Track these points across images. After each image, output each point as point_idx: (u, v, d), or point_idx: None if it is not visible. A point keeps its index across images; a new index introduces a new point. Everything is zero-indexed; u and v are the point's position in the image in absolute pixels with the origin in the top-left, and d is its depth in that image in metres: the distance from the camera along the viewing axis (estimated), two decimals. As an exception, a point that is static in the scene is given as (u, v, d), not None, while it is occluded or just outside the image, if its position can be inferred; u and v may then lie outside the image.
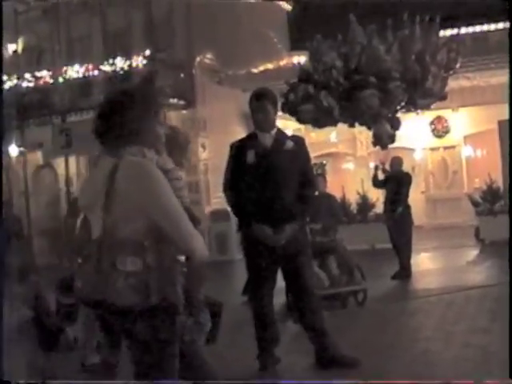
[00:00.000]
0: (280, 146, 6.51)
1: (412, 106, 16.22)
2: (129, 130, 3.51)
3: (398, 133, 21.34)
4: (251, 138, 6.63)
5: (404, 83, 15.16)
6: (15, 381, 4.37)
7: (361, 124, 16.37)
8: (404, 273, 12.15)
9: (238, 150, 6.57)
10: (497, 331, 7.45)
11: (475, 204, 17.51)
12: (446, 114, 22.36)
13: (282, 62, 23.12)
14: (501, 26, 24.72)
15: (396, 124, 15.92)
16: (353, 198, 18.79)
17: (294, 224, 6.41)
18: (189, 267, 3.63)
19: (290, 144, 6.56)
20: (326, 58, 15.57)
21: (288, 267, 6.54)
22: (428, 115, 21.95)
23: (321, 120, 15.95)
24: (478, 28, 24.66)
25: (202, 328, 4.95)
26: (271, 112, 6.54)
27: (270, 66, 22.74)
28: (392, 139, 15.81)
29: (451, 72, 16.08)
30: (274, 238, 6.34)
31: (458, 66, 16.07)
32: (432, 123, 22.85)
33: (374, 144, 16.20)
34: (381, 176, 13.61)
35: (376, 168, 13.47)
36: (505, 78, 20.73)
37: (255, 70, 22.46)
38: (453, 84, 19.27)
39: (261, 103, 6.50)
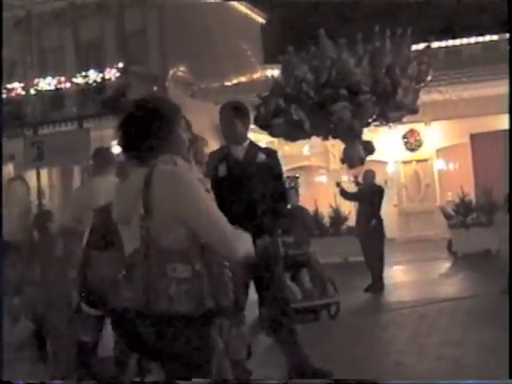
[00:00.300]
0: (252, 159, 6.47)
1: (383, 118, 16.26)
2: (159, 139, 3.46)
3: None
4: (223, 151, 6.59)
5: (375, 96, 15.19)
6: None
7: (334, 137, 16.39)
8: (377, 286, 12.16)
9: (209, 163, 6.53)
10: (469, 344, 7.46)
11: (448, 217, 17.58)
12: (419, 127, 22.46)
13: (256, 75, 23.18)
14: (473, 40, 25.01)
15: (370, 148, 15.94)
16: (325, 211, 18.79)
17: (266, 237, 6.37)
18: (233, 271, 3.58)
19: (262, 156, 6.52)
20: (297, 71, 15.59)
21: (260, 280, 6.49)
22: (401, 128, 22.02)
23: (292, 134, 15.93)
24: (450, 42, 24.93)
25: (244, 339, 4.93)
26: (238, 125, 6.48)
27: (243, 78, 22.78)
28: (362, 162, 15.79)
29: (422, 85, 16.13)
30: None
31: (429, 78, 16.13)
32: (405, 136, 22.93)
33: (343, 161, 16.19)
34: (353, 189, 13.65)
35: (338, 184, 13.50)
36: (477, 92, 21.00)
37: (228, 83, 22.48)
38: (425, 97, 19.37)
39: (227, 116, 6.47)
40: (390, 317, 9.72)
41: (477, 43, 24.99)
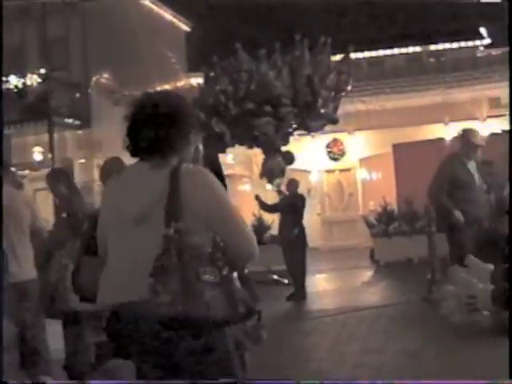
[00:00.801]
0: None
1: (304, 128, 16.30)
2: (175, 142, 3.38)
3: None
4: None
5: (296, 107, 15.23)
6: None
7: (257, 146, 16.36)
8: (299, 294, 12.17)
9: None
10: (390, 351, 7.50)
11: (370, 226, 17.73)
12: (342, 136, 22.65)
13: (180, 83, 23.06)
14: (396, 51, 25.40)
15: (289, 159, 15.94)
16: (248, 220, 18.77)
17: None
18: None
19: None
20: (217, 82, 15.53)
21: None
22: (324, 138, 22.19)
23: (213, 145, 15.85)
24: (374, 53, 25.27)
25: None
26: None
27: (167, 86, 22.62)
28: (283, 173, 15.78)
29: (343, 94, 16.22)
30: None
31: (349, 88, 16.20)
32: (328, 146, 23.07)
33: (261, 176, 16.17)
34: (276, 198, 13.75)
35: (257, 198, 13.55)
36: (400, 103, 21.29)
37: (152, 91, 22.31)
38: (349, 107, 19.57)
39: None
40: (313, 325, 9.72)
41: (400, 54, 25.42)
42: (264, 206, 13.61)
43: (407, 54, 25.36)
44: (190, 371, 3.36)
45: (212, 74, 16.01)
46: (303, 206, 12.88)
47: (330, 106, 15.81)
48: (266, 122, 14.87)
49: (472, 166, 9.33)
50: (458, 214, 8.88)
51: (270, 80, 15.05)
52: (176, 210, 3.21)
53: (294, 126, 15.87)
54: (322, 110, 15.58)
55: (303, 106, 15.28)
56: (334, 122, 16.32)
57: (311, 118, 15.66)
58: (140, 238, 3.31)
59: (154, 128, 3.34)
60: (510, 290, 3.77)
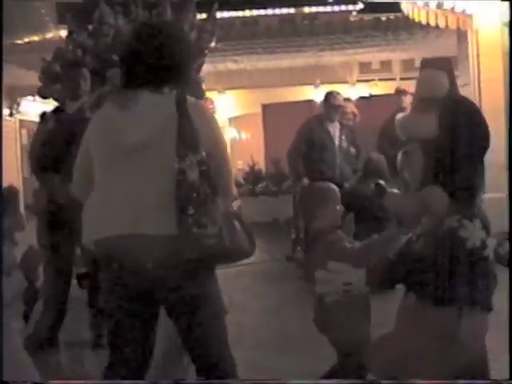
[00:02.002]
0: (81, 113, 6.27)
1: None
2: (177, 71, 3.31)
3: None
4: (58, 108, 6.53)
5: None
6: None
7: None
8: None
9: (41, 119, 6.42)
10: (252, 308, 7.60)
11: (237, 185, 17.80)
12: (213, 95, 22.54)
13: (49, 35, 22.39)
14: (270, 12, 25.43)
15: None
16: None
17: None
18: None
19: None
20: (78, 35, 15.13)
21: None
22: (195, 96, 22.08)
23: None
24: (247, 13, 25.21)
25: None
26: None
27: (35, 38, 21.95)
28: None
29: (206, 52, 15.90)
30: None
31: (212, 45, 15.87)
32: (199, 104, 23.03)
33: None
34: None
35: None
36: (271, 64, 21.35)
37: (19, 41, 21.60)
38: (220, 66, 19.52)
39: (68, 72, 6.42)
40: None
41: (274, 15, 25.47)
42: None
43: (281, 15, 25.41)
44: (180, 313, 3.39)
45: (74, 26, 15.61)
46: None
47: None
48: (116, 73, 14.50)
49: (333, 127, 9.48)
50: (305, 180, 9.06)
51: (126, 35, 14.68)
52: (193, 142, 3.13)
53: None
54: None
55: None
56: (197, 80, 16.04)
57: None
58: (141, 168, 3.18)
59: (158, 56, 3.26)
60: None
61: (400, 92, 9.75)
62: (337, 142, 9.48)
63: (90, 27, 13.89)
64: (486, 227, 3.24)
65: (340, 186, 9.18)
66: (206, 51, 15.18)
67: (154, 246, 3.17)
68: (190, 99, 3.26)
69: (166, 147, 3.12)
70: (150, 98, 3.27)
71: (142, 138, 3.19)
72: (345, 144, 9.61)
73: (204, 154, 3.13)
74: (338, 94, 9.84)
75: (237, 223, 3.31)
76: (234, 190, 3.48)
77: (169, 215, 3.09)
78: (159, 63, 3.28)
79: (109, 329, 3.55)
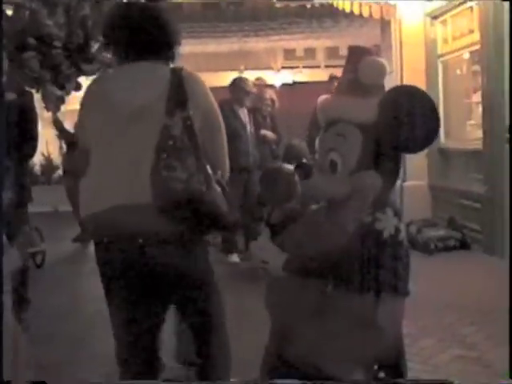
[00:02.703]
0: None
1: (78, 70, 15.75)
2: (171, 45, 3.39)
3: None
4: None
5: (67, 49, 14.70)
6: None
7: (30, 87, 15.71)
8: (85, 236, 11.98)
9: None
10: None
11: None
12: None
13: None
14: (194, -1, 25.27)
15: (67, 85, 15.35)
16: (37, 159, 18.26)
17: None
18: None
19: (11, 96, 6.22)
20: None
21: None
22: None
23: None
24: (171, -3, 24.99)
25: None
26: None
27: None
28: (62, 100, 15.26)
29: None
30: None
31: None
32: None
33: (47, 109, 15.58)
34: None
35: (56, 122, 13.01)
36: (196, 48, 21.21)
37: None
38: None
39: None
40: (93, 265, 9.61)
41: (198, 1, 25.31)
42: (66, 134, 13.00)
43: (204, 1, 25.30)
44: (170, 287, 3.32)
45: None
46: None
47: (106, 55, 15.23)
48: (30, 56, 14.23)
49: (243, 113, 9.47)
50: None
51: (41, 18, 14.41)
52: (181, 100, 3.16)
53: (65, 67, 15.22)
54: (97, 54, 15.06)
55: (76, 48, 14.77)
56: (111, 66, 15.85)
57: (83, 60, 15.13)
58: (136, 135, 3.16)
59: (151, 31, 3.32)
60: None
61: (333, 78, 9.78)
62: (248, 128, 9.45)
63: (7, 10, 13.57)
64: (396, 213, 3.27)
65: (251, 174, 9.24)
66: None
67: (147, 216, 3.11)
68: (186, 70, 3.32)
69: (160, 111, 3.16)
70: (146, 67, 3.32)
71: (139, 104, 3.20)
72: (258, 130, 9.60)
73: (191, 112, 3.16)
74: (247, 79, 9.85)
75: (217, 187, 3.23)
76: (227, 164, 3.41)
77: None
78: (154, 37, 3.36)
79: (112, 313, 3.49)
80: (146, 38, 3.33)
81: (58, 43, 14.34)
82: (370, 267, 3.12)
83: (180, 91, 3.19)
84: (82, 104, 3.44)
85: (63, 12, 14.71)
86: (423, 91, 3.34)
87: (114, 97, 3.26)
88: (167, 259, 3.21)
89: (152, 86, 3.24)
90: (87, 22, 14.75)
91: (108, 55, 14.29)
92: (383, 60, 3.64)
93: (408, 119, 3.12)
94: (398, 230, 3.23)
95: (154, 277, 3.25)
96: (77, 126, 3.58)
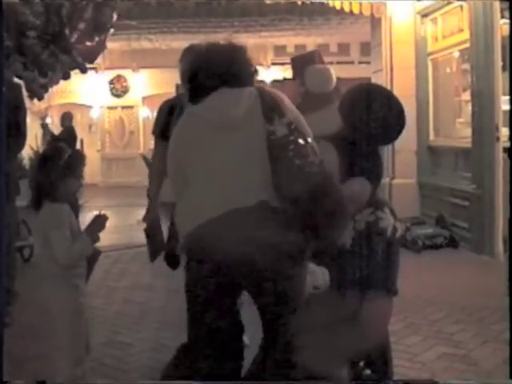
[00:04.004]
0: None
1: (55, 61, 15.53)
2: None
3: (75, 89, 21.02)
4: None
5: (43, 38, 14.51)
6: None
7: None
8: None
9: None
10: (158, 288, 7.59)
11: (148, 164, 17.65)
12: (127, 73, 22.34)
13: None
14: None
15: (50, 73, 15.19)
16: (26, 153, 18.20)
17: None
18: None
19: None
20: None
21: None
22: (108, 74, 21.85)
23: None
24: (162, -8, 24.96)
25: None
26: None
27: None
28: (45, 88, 15.12)
29: (108, 27, 15.33)
30: None
31: (112, 21, 15.41)
32: (111, 82, 22.65)
33: (30, 97, 15.44)
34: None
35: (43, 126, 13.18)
36: (186, 44, 21.08)
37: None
38: (135, 44, 19.32)
39: None
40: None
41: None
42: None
43: (198, -4, 25.27)
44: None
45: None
46: (75, 138, 12.81)
47: (85, 42, 15.00)
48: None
49: None
50: None
51: (18, 7, 14.23)
52: (276, 107, 3.28)
53: (44, 57, 15.03)
54: (75, 45, 14.87)
55: (52, 36, 14.57)
56: (90, 59, 15.65)
57: (61, 50, 14.92)
58: (241, 143, 3.25)
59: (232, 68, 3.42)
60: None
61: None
62: None
63: None
64: (392, 212, 3.28)
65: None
66: (109, 26, 14.61)
67: (254, 219, 3.14)
68: (264, 87, 3.50)
69: (254, 121, 3.26)
70: (233, 90, 3.39)
71: (236, 117, 3.30)
72: None
73: (291, 118, 3.25)
74: None
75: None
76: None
77: (264, 182, 3.16)
78: (237, 71, 3.45)
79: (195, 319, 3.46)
80: (231, 79, 3.42)
81: (32, 32, 14.18)
82: (369, 266, 3.13)
83: (272, 100, 3.31)
84: (173, 138, 3.51)
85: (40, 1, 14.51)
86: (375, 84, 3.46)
87: (209, 115, 3.36)
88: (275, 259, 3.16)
89: (244, 101, 3.33)
90: (62, 9, 14.53)
91: (87, 45, 14.18)
92: (326, 66, 3.71)
93: (368, 111, 3.17)
94: (395, 228, 3.25)
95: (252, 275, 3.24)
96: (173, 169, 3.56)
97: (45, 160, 3.98)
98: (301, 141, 3.16)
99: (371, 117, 3.19)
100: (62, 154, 3.92)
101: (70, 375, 3.77)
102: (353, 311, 3.15)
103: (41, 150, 18.45)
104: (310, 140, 3.20)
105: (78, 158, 4.05)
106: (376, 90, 3.37)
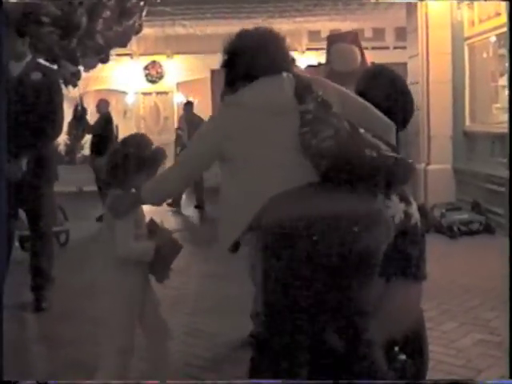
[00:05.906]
0: (26, 77, 6.17)
1: (84, 48, 15.49)
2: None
3: (110, 75, 21.08)
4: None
5: (60, 27, 14.51)
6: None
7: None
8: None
9: None
10: (193, 272, 7.61)
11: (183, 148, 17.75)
12: (161, 59, 22.37)
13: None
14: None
15: (77, 60, 15.20)
16: (61, 139, 18.35)
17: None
18: None
19: (37, 75, 6.25)
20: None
21: None
22: (143, 60, 21.90)
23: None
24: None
25: None
26: (18, 41, 6.20)
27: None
28: (77, 77, 15.17)
29: (136, 16, 15.22)
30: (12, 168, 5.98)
31: (143, 13, 15.30)
32: (146, 68, 22.69)
33: (65, 84, 15.50)
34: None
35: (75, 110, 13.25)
36: (220, 29, 21.14)
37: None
38: (169, 30, 19.34)
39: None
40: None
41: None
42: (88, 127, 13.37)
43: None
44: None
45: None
46: (111, 123, 12.91)
47: (112, 29, 14.94)
48: (47, 31, 14.06)
49: None
50: None
51: None
52: (306, 87, 3.29)
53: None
54: (103, 32, 14.83)
55: (69, 26, 14.57)
56: (122, 44, 15.55)
57: (88, 38, 14.91)
58: (282, 127, 3.25)
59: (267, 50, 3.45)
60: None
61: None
62: None
63: None
64: (403, 198, 3.28)
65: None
66: (136, 11, 14.46)
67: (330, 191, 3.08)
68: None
69: (294, 104, 3.26)
70: (271, 78, 3.39)
71: (277, 102, 3.31)
72: None
73: (320, 92, 3.24)
74: None
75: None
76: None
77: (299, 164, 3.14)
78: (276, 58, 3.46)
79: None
80: (272, 66, 3.43)
81: (46, 19, 14.19)
82: (385, 253, 3.11)
83: (303, 81, 3.32)
84: (219, 125, 3.44)
85: None
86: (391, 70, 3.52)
87: (254, 102, 3.34)
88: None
89: (283, 86, 3.33)
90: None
91: (116, 31, 14.18)
92: (350, 46, 3.71)
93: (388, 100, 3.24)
94: (407, 214, 3.25)
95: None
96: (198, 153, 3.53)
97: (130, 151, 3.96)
98: (322, 107, 3.17)
99: (376, 100, 3.25)
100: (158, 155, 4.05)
101: (111, 364, 3.73)
102: (379, 298, 3.16)
103: (75, 138, 18.66)
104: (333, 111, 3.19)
105: (162, 155, 4.14)
106: (383, 72, 3.38)
